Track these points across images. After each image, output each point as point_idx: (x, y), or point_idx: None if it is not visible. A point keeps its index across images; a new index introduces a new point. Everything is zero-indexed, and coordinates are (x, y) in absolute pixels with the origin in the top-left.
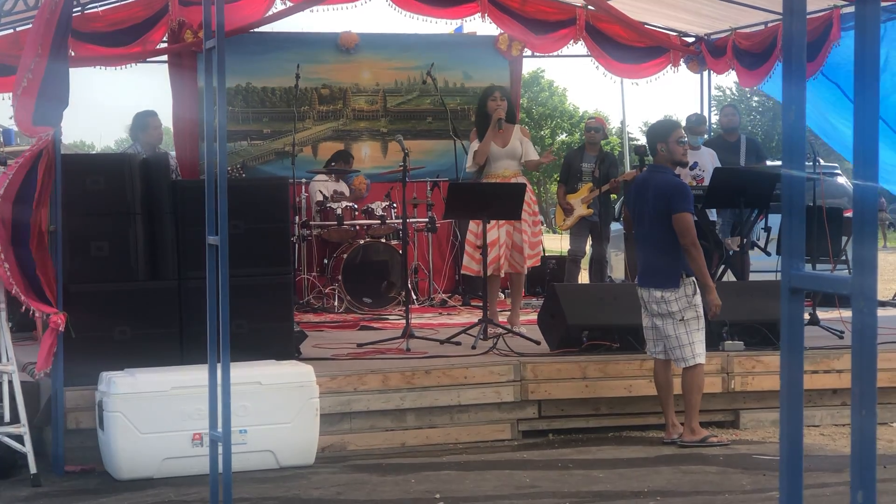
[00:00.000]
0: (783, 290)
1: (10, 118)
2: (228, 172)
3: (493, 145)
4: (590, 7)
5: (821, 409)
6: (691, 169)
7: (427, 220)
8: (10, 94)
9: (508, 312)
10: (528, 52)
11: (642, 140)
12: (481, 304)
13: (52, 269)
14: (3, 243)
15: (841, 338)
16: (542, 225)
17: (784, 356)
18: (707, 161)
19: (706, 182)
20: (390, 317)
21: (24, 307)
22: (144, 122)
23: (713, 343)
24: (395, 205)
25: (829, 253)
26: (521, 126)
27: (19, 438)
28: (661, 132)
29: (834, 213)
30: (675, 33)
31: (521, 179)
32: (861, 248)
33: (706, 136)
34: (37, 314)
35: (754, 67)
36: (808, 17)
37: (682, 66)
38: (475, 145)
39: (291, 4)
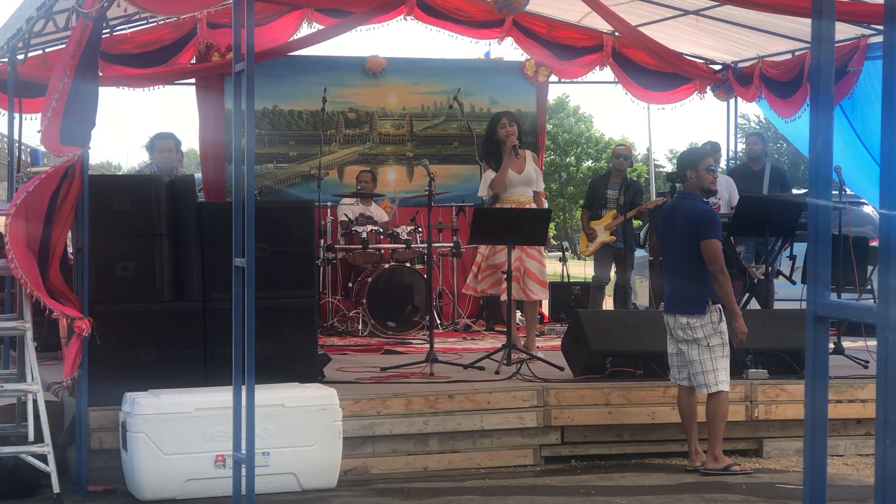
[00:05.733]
0: (808, 318)
1: (38, 133)
2: None
3: (510, 171)
4: (617, 34)
5: (844, 438)
6: (708, 197)
7: (452, 244)
8: (40, 115)
9: (524, 338)
10: (554, 78)
11: (668, 167)
12: (505, 330)
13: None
14: (25, 255)
15: (865, 367)
16: (567, 252)
17: (808, 384)
18: (723, 189)
19: (722, 210)
20: (414, 341)
21: (47, 313)
22: (153, 143)
23: (737, 371)
24: (420, 229)
25: (854, 282)
26: (532, 153)
27: (43, 458)
28: (692, 159)
29: (860, 241)
30: (701, 60)
31: (534, 206)
32: (888, 278)
33: (722, 165)
34: (62, 318)
35: (787, 96)
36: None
37: (709, 94)
38: (489, 174)
39: (319, 28)
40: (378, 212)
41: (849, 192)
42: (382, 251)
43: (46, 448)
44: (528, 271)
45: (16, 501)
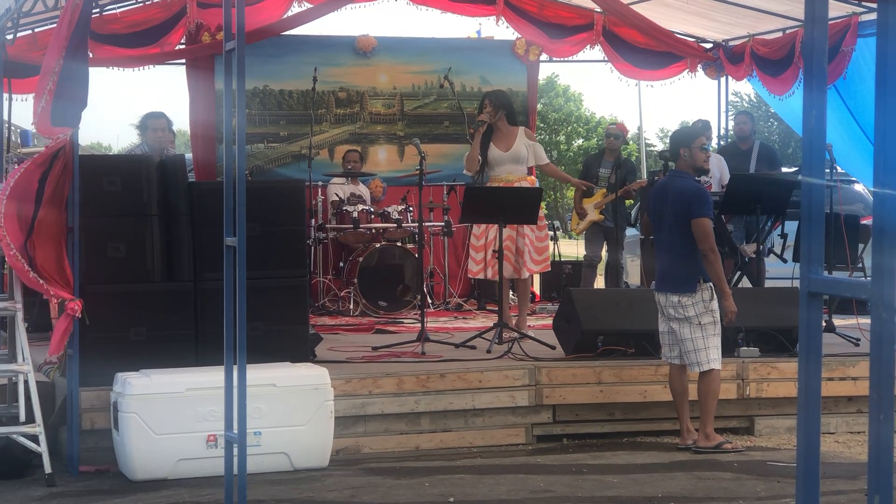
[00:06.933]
0: (802, 294)
1: (32, 124)
2: None
3: (496, 149)
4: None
5: (836, 416)
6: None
7: (443, 223)
8: (28, 95)
9: (516, 316)
10: (544, 56)
11: (659, 146)
12: (497, 308)
13: (67, 266)
14: (20, 240)
15: (857, 345)
16: (558, 231)
17: (802, 361)
18: (714, 167)
19: (713, 189)
20: (405, 320)
21: (38, 303)
22: (145, 122)
23: (729, 349)
24: (411, 208)
25: (846, 260)
26: (525, 129)
27: (34, 438)
28: (685, 138)
29: (851, 220)
30: (692, 39)
31: (526, 183)
32: (881, 256)
33: (714, 144)
34: (53, 298)
35: (778, 74)
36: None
37: (700, 72)
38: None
39: (310, 7)
40: (366, 192)
41: (840, 170)
42: (373, 230)
43: (38, 428)
44: (520, 251)
45: (7, 482)
